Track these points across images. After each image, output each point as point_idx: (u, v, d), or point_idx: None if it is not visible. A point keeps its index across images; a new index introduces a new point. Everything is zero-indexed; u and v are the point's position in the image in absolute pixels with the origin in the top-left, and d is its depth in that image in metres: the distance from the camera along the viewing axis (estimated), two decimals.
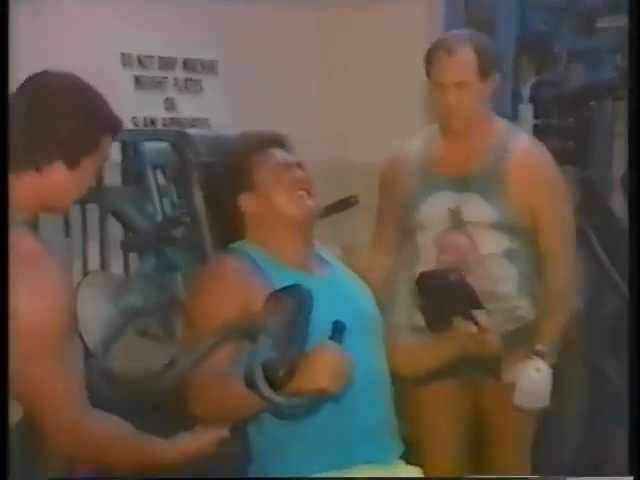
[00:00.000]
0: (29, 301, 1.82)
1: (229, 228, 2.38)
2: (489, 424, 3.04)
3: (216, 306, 2.20)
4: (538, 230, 2.89)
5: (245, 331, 1.97)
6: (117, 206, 3.18)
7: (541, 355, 2.86)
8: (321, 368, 1.94)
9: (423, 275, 2.46)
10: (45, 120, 1.93)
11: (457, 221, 2.87)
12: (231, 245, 2.38)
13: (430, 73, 2.85)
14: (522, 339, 2.91)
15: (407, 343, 2.39)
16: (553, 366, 2.89)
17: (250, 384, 1.87)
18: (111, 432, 2.00)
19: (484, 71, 2.82)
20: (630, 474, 2.02)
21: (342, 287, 2.34)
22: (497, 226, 2.84)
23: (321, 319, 1.97)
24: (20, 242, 1.86)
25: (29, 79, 1.98)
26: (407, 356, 2.38)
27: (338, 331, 2.00)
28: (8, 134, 1.88)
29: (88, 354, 3.09)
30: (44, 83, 1.98)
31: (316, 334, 1.95)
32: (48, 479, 2.50)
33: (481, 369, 2.84)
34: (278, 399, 1.89)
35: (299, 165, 2.36)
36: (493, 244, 2.86)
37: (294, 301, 1.92)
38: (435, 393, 2.95)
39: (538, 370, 2.84)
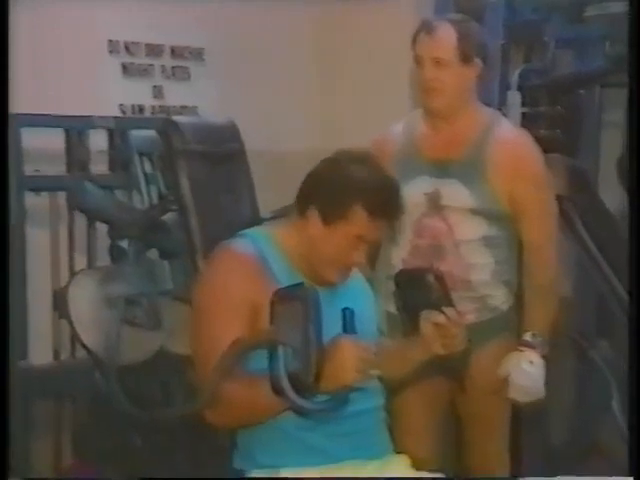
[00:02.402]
0: None
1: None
2: (464, 411, 3.04)
3: (223, 305, 2.18)
4: (519, 219, 2.88)
5: (260, 346, 1.96)
6: (91, 202, 3.14)
7: (532, 346, 2.85)
8: (342, 366, 1.97)
9: (401, 272, 2.45)
10: None
11: (435, 205, 2.86)
12: (245, 231, 2.34)
13: (413, 51, 2.87)
14: (497, 329, 2.91)
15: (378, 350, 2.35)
16: (544, 356, 2.88)
17: (279, 393, 1.88)
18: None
19: (465, 54, 2.82)
20: (630, 474, 2.01)
21: (345, 299, 2.24)
22: (475, 212, 2.83)
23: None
24: None
25: None
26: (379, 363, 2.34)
27: (349, 320, 2.01)
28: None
29: (92, 357, 3.09)
30: None
31: None
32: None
33: (447, 372, 2.84)
34: (307, 404, 1.91)
35: (376, 243, 2.30)
36: (470, 230, 2.85)
37: (303, 304, 1.89)
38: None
39: (531, 363, 2.83)
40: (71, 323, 3.03)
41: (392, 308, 2.80)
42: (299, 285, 1.96)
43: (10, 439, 1.94)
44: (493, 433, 3.04)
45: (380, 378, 2.34)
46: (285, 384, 1.86)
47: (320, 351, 1.89)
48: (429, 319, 2.23)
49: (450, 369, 2.84)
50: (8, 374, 1.84)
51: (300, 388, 1.87)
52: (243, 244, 2.29)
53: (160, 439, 3.10)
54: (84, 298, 3.08)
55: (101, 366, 2.98)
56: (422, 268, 2.46)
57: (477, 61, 2.86)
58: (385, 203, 2.23)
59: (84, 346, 3.01)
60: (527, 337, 2.86)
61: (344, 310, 2.02)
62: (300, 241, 2.28)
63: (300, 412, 2.10)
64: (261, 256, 2.26)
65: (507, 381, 2.85)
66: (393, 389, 2.59)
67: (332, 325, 1.98)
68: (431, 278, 2.28)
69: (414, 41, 2.87)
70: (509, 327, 2.94)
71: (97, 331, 3.02)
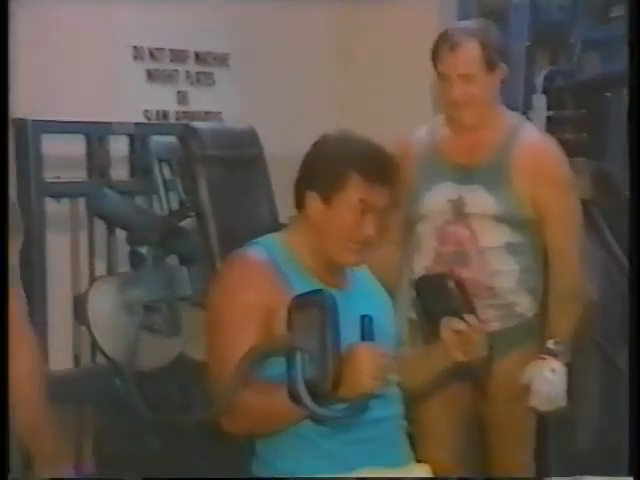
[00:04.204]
0: None
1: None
2: (488, 420, 3.00)
3: (238, 312, 2.16)
4: (543, 224, 2.85)
5: (277, 353, 1.95)
6: (110, 208, 3.15)
7: (554, 354, 2.82)
8: (360, 373, 1.95)
9: (421, 278, 2.43)
10: None
11: (459, 212, 2.84)
12: (257, 239, 2.32)
13: (436, 66, 2.84)
14: (521, 337, 2.87)
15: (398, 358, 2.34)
16: (567, 364, 2.85)
17: (296, 400, 1.86)
18: None
19: (490, 63, 2.80)
20: (630, 474, 1.98)
21: (361, 302, 2.24)
22: (500, 218, 2.81)
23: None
24: None
25: None
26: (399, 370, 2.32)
27: (367, 327, 1.98)
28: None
29: (110, 363, 3.09)
30: None
31: None
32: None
33: (470, 379, 2.83)
34: (324, 412, 1.89)
35: (382, 212, 2.25)
36: (494, 237, 2.83)
37: (321, 310, 1.86)
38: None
39: (553, 371, 2.80)
40: (90, 329, 3.04)
41: (412, 314, 2.78)
42: (317, 291, 1.93)
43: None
44: (518, 442, 3.01)
45: (400, 385, 2.32)
46: (302, 392, 1.84)
47: (338, 358, 1.87)
48: (449, 326, 2.21)
49: (473, 376, 2.81)
50: (7, 374, 1.84)
51: (318, 395, 1.85)
52: (255, 251, 2.27)
53: (179, 444, 3.10)
54: (103, 304, 3.08)
55: (120, 372, 2.98)
56: (442, 274, 2.44)
57: (502, 66, 2.84)
58: (378, 166, 2.21)
59: (102, 352, 3.02)
60: (549, 345, 2.83)
61: (363, 317, 2.00)
62: (308, 237, 2.27)
63: (318, 420, 2.07)
64: (273, 261, 2.24)
65: (529, 389, 2.81)
66: (415, 396, 2.56)
67: (347, 330, 1.96)
68: (451, 284, 2.26)
69: (435, 57, 2.83)
70: (534, 335, 2.90)
71: (116, 337, 3.03)
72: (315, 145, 2.29)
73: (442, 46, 2.81)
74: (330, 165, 2.21)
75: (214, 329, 2.21)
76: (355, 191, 2.20)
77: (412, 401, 2.51)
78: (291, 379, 1.85)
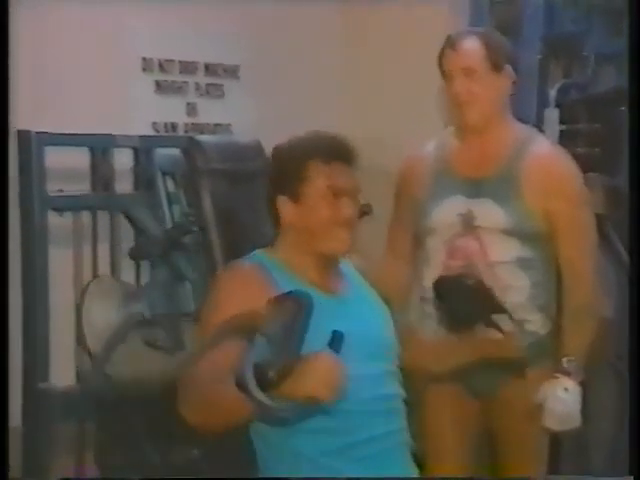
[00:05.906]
0: None
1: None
2: (497, 435, 2.96)
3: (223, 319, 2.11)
4: (555, 238, 2.81)
5: (243, 329, 1.94)
6: (130, 211, 3.13)
7: (568, 373, 2.77)
8: (314, 375, 1.89)
9: (440, 279, 2.41)
10: None
11: (468, 226, 2.80)
12: (249, 255, 2.31)
13: (441, 67, 2.83)
14: (534, 355, 2.82)
15: (429, 339, 2.31)
16: (581, 382, 2.79)
17: (240, 383, 1.83)
18: None
19: (494, 63, 2.78)
20: (630, 474, 1.95)
21: (356, 309, 2.26)
22: (510, 232, 2.77)
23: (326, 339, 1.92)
24: None
25: None
26: (428, 351, 2.30)
27: (336, 340, 1.95)
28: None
29: (90, 357, 3.08)
30: None
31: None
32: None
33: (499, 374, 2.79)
34: (266, 400, 1.84)
35: (354, 193, 2.24)
36: (505, 251, 2.78)
37: (296, 306, 1.88)
38: (441, 401, 2.87)
39: (566, 390, 2.74)
40: (86, 342, 3.02)
41: (426, 328, 2.73)
42: (297, 291, 1.95)
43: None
44: (530, 459, 2.96)
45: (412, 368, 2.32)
46: (248, 375, 1.81)
47: (295, 354, 1.85)
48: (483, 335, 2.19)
49: (483, 392, 2.78)
50: (7, 373, 1.83)
51: (261, 381, 1.82)
52: (245, 260, 2.28)
53: (178, 459, 3.08)
54: (100, 304, 3.08)
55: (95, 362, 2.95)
56: (461, 274, 2.42)
57: (508, 68, 2.81)
58: (335, 148, 2.22)
59: (85, 345, 2.99)
60: (563, 363, 2.78)
61: (334, 332, 1.96)
62: (293, 242, 2.26)
63: (261, 411, 1.99)
64: (264, 269, 2.23)
65: (542, 408, 2.76)
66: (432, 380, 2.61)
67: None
68: (471, 282, 2.24)
69: (440, 59, 2.82)
70: (547, 353, 2.84)
71: (115, 352, 3.00)
72: (271, 156, 2.31)
73: (446, 47, 2.81)
74: (287, 162, 2.23)
75: (202, 339, 2.18)
76: (320, 178, 2.20)
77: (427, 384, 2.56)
78: (241, 360, 1.84)
